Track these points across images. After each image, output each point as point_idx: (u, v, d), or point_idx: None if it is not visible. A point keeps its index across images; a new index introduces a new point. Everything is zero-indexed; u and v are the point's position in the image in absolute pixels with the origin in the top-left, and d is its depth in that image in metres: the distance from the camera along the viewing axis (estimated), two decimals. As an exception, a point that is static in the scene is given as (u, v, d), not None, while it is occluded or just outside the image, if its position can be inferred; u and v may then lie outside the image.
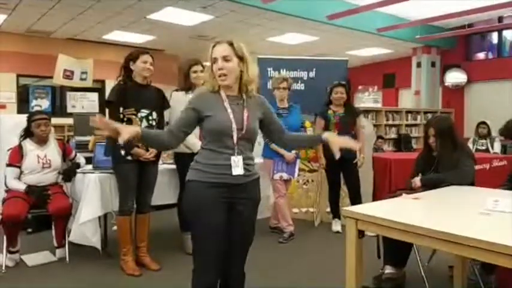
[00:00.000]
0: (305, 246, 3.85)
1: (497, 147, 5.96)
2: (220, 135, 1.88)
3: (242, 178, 1.91)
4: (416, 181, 2.89)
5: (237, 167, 1.89)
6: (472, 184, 2.78)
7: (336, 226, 4.30)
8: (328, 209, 4.50)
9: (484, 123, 6.17)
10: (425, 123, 3.22)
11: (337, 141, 2.01)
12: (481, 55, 10.62)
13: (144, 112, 3.07)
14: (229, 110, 1.90)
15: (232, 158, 1.88)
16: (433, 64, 10.39)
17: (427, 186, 2.80)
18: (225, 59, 1.88)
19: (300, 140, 2.26)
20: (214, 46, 1.92)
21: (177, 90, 3.52)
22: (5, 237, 3.17)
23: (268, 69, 4.92)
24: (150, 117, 3.10)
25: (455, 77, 10.53)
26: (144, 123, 3.07)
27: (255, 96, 2.01)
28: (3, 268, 3.12)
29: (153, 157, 3.12)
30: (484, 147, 5.91)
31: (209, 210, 1.87)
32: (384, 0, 6.89)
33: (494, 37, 10.23)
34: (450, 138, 2.89)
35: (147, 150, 3.08)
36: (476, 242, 1.52)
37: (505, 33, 10.00)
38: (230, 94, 1.94)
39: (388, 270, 2.78)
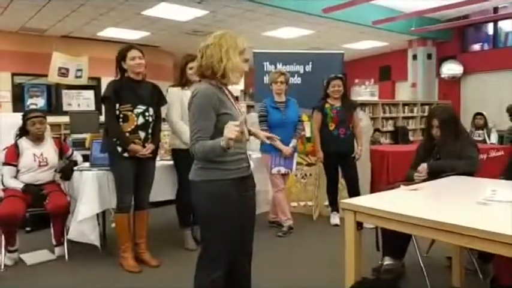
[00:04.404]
0: (304, 240, 3.86)
1: (493, 137, 6.00)
2: None
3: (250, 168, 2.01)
4: (423, 166, 2.90)
5: (250, 159, 2.00)
6: (472, 174, 2.80)
7: (335, 219, 4.31)
8: (327, 203, 4.51)
9: (480, 114, 6.20)
10: (428, 114, 3.22)
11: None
12: (476, 46, 10.62)
13: (140, 108, 3.06)
14: (236, 106, 1.92)
15: (248, 151, 1.98)
16: (429, 56, 10.39)
17: (433, 172, 2.81)
18: None
19: None
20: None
21: (173, 85, 3.52)
22: (3, 236, 3.16)
23: (265, 63, 4.91)
24: (147, 113, 3.09)
25: (451, 68, 10.53)
26: (141, 120, 3.06)
27: None
28: (2, 267, 3.12)
29: (150, 153, 3.11)
30: (481, 138, 5.94)
31: (233, 208, 1.86)
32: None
33: (490, 28, 10.23)
34: (454, 127, 2.92)
35: (144, 147, 3.07)
36: (474, 232, 1.52)
37: (501, 24, 10.00)
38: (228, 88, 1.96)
39: (387, 261, 2.79)
